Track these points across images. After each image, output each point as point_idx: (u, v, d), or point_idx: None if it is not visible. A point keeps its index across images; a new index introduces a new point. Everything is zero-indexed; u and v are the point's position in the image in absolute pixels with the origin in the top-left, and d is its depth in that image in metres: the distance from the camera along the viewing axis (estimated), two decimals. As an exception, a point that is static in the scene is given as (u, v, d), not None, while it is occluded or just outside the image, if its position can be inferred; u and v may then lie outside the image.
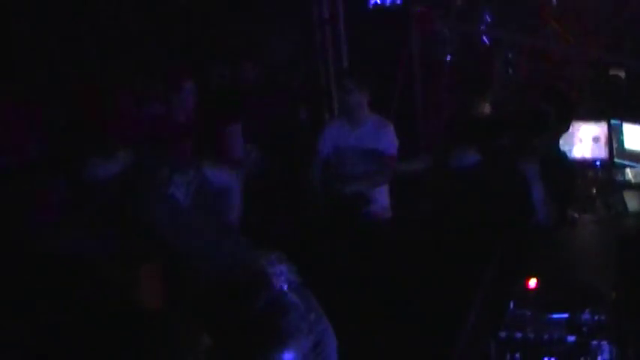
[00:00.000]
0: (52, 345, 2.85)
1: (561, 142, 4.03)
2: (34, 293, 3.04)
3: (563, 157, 3.86)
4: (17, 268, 3.07)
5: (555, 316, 2.52)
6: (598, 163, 4.86)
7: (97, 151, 2.86)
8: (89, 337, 2.99)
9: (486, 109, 4.23)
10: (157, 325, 2.57)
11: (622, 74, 7.03)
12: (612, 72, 6.97)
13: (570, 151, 4.66)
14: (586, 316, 2.48)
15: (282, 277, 1.23)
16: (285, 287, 1.21)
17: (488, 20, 10.04)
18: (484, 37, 8.97)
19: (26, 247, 3.15)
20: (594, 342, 2.35)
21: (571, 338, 2.39)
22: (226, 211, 3.26)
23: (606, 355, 2.31)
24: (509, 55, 8.43)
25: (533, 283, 2.78)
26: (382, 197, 4.50)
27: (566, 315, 2.51)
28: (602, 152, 4.86)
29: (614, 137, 4.79)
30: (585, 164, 4.79)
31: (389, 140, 4.43)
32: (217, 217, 3.06)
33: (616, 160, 4.82)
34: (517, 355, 2.37)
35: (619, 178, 4.67)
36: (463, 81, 6.64)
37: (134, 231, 2.78)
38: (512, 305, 2.62)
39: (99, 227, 3.45)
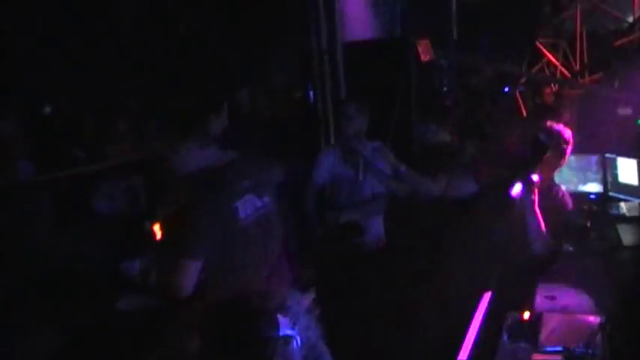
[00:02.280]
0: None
1: (556, 174, 4.05)
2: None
3: (558, 190, 3.87)
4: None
5: (549, 348, 2.52)
6: (593, 196, 4.88)
7: (196, 136, 2.84)
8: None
9: (445, 137, 4.24)
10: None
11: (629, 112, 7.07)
12: (621, 111, 7.01)
13: (565, 183, 4.68)
14: (580, 349, 2.48)
15: (293, 327, 1.21)
16: (289, 334, 1.20)
17: (485, 53, 10.18)
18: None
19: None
20: (588, 375, 2.34)
21: (565, 371, 2.39)
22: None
23: (600, 389, 2.30)
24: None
25: (527, 315, 2.78)
26: (376, 226, 4.49)
27: (560, 348, 2.50)
28: (596, 185, 4.89)
29: (608, 171, 4.82)
30: (580, 197, 4.81)
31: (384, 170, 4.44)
32: (278, 249, 3.06)
33: (610, 193, 4.84)
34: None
35: (613, 211, 4.69)
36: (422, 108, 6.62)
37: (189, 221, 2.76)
38: (506, 337, 2.62)
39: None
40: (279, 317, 1.22)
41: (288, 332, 1.22)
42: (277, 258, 3.01)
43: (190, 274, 2.69)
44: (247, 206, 2.86)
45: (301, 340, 1.23)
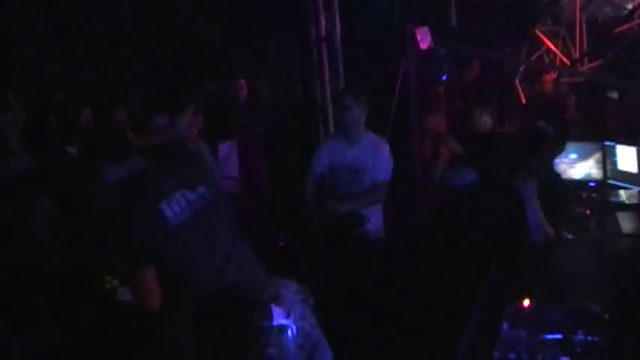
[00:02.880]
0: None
1: (556, 162, 4.05)
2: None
3: (557, 178, 3.87)
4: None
5: (549, 336, 2.53)
6: (592, 184, 4.89)
7: (111, 158, 2.87)
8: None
9: (487, 121, 4.24)
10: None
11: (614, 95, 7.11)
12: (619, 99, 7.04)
13: (564, 171, 4.68)
14: (580, 337, 2.49)
15: (287, 316, 1.21)
16: (284, 324, 1.19)
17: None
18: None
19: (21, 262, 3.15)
20: (588, 363, 2.35)
21: (565, 359, 2.40)
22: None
23: (599, 376, 2.31)
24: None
25: (527, 303, 2.79)
26: (376, 217, 4.49)
27: (560, 336, 2.51)
28: (596, 173, 4.89)
29: (607, 158, 4.82)
30: (579, 185, 4.81)
31: (383, 160, 4.43)
32: (231, 238, 3.03)
33: (610, 181, 4.85)
34: (511, 376, 2.38)
35: (613, 199, 4.69)
36: (464, 92, 6.71)
37: (120, 238, 2.80)
38: (506, 326, 2.63)
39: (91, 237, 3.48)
40: (273, 307, 1.22)
41: (283, 322, 1.22)
42: (233, 245, 2.99)
43: (148, 284, 2.72)
44: (178, 204, 2.83)
45: (296, 329, 1.24)
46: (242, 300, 1.23)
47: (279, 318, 1.21)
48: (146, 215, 2.77)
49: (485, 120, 4.22)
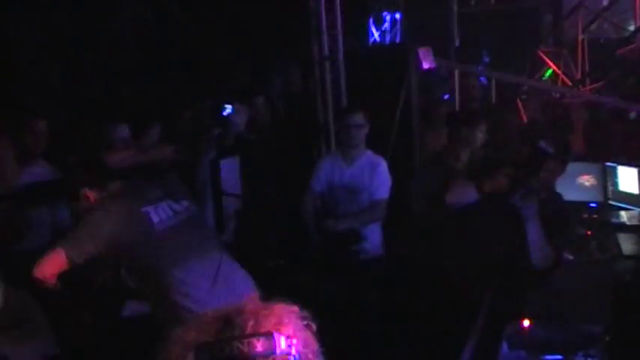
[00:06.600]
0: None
1: (557, 183, 4.05)
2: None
3: (558, 199, 3.87)
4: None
5: (549, 357, 2.51)
6: (593, 204, 4.88)
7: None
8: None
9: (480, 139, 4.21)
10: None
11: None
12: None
13: (566, 192, 4.68)
14: (579, 358, 2.48)
15: (290, 345, 1.19)
16: (286, 352, 1.18)
17: (487, 61, 10.20)
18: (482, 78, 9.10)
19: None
20: (587, 384, 2.34)
21: (564, 380, 2.39)
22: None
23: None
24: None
25: (527, 324, 2.78)
26: (374, 235, 4.48)
27: (559, 357, 2.50)
28: (597, 194, 4.88)
29: (608, 179, 4.82)
30: (580, 206, 4.80)
31: (381, 179, 4.43)
32: (218, 250, 3.12)
33: (611, 202, 4.84)
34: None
35: (614, 220, 4.68)
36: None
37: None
38: (506, 346, 2.62)
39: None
40: (276, 335, 1.20)
41: (285, 350, 1.20)
42: (221, 257, 3.07)
43: (57, 260, 2.86)
44: (164, 211, 2.98)
45: (299, 356, 1.22)
46: (243, 328, 1.21)
47: (281, 347, 1.20)
48: (129, 213, 2.93)
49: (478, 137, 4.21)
